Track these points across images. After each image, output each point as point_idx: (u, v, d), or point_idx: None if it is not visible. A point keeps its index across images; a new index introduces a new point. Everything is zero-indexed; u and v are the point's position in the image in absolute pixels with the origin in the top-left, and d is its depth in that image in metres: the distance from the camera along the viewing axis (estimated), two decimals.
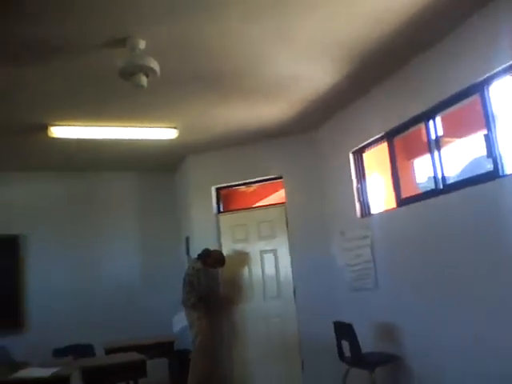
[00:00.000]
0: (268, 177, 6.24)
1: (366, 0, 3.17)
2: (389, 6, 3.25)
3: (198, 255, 5.98)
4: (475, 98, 3.57)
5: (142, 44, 3.43)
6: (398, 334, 4.53)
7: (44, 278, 6.49)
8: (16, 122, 4.90)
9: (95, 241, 6.88)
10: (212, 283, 5.95)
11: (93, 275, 6.74)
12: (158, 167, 7.16)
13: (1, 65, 3.70)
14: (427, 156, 4.23)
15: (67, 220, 6.78)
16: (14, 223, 6.50)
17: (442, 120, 4.05)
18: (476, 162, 4.07)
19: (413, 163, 5.04)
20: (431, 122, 4.07)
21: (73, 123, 5.02)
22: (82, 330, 6.10)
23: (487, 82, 3.46)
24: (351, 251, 5.22)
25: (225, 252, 6.23)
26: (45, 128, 4.99)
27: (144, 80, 3.44)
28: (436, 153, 4.05)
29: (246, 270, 6.20)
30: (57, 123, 4.98)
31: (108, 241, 6.97)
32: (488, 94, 3.47)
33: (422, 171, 4.78)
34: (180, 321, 5.88)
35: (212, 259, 5.94)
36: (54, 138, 5.21)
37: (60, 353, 5.22)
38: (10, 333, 6.09)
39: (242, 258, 6.23)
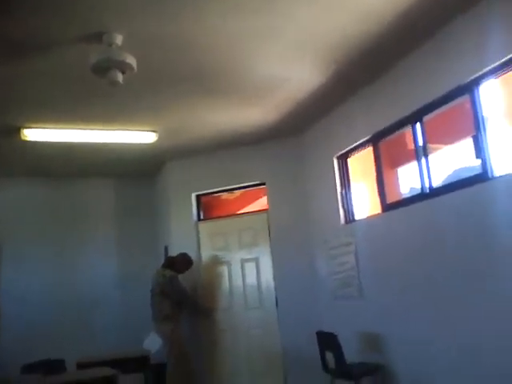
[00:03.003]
0: (250, 183, 6.09)
1: None
2: (376, 4, 3.16)
3: (163, 264, 5.81)
4: (465, 98, 3.50)
5: (119, 39, 3.27)
6: (383, 343, 4.39)
7: (18, 289, 6.22)
8: None
9: (71, 250, 6.64)
10: (187, 288, 5.73)
11: (68, 286, 6.50)
12: (136, 173, 6.96)
13: None
14: (411, 165, 4.14)
15: (42, 228, 6.55)
16: None
17: (429, 126, 3.97)
18: (458, 173, 3.98)
19: (397, 172, 4.97)
20: (418, 124, 3.98)
21: (47, 125, 4.83)
22: (55, 344, 5.85)
23: (477, 82, 3.38)
24: (335, 259, 5.09)
25: (204, 257, 6.09)
26: (17, 131, 4.79)
27: (119, 76, 3.27)
28: (423, 158, 3.94)
29: (224, 277, 6.02)
30: (30, 125, 4.78)
31: (84, 250, 6.74)
32: (478, 94, 3.40)
33: (406, 182, 4.72)
34: (152, 342, 5.61)
35: (179, 263, 5.77)
36: (27, 142, 5.01)
37: (29, 369, 4.91)
38: None
39: (219, 264, 6.07)
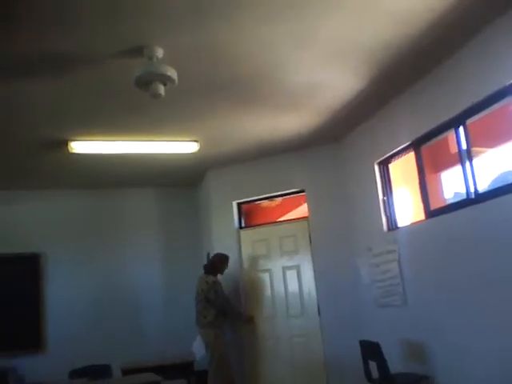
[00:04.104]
0: (290, 190, 6.08)
1: (390, 0, 3.04)
2: (414, 5, 3.10)
3: (205, 270, 5.84)
4: (509, 100, 3.39)
5: (160, 52, 3.35)
6: (428, 353, 4.28)
7: (64, 297, 6.44)
8: (35, 138, 4.87)
9: (115, 259, 6.81)
10: (229, 295, 5.78)
11: (113, 294, 6.66)
12: (178, 182, 7.09)
13: (17, 80, 3.66)
14: (455, 169, 4.03)
15: (87, 238, 6.74)
16: (34, 241, 6.47)
17: (472, 129, 3.86)
18: (505, 176, 3.86)
19: (440, 177, 4.85)
20: (461, 127, 3.88)
21: (93, 138, 4.98)
22: (101, 350, 6.00)
23: None
24: (378, 266, 5.01)
25: (245, 265, 6.18)
26: (65, 144, 4.96)
27: (161, 89, 3.35)
28: (467, 162, 3.84)
29: (266, 285, 6.03)
30: (76, 138, 4.94)
31: (128, 258, 6.89)
32: None
33: (450, 187, 4.60)
34: (199, 347, 5.68)
35: (217, 264, 5.80)
36: (74, 154, 5.17)
37: (76, 374, 5.04)
38: (28, 353, 6.05)
39: (261, 271, 6.09)
